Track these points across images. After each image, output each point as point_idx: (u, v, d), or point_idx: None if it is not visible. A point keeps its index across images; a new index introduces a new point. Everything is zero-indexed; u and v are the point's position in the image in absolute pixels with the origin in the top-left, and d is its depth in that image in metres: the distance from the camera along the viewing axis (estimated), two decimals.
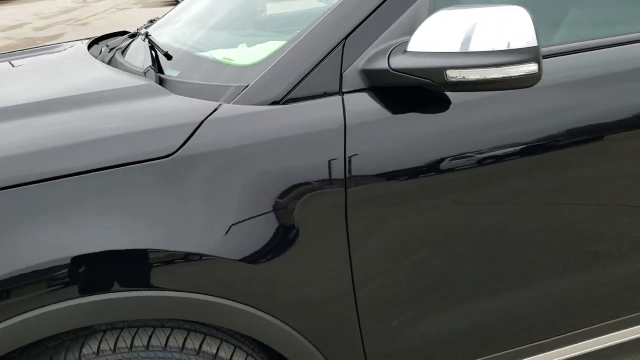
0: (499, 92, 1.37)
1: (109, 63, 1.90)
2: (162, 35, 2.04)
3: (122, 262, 1.24)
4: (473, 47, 1.24)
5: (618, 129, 1.51)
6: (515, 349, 1.64)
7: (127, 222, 1.24)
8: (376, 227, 1.39)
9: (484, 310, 1.56)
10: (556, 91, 1.45)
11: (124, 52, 2.03)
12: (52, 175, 1.22)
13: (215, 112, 1.33)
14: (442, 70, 1.26)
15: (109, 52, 2.07)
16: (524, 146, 1.42)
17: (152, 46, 1.75)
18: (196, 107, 1.36)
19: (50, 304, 1.21)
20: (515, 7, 1.22)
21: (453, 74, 1.25)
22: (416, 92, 1.37)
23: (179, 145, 1.27)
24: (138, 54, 1.86)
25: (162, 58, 1.73)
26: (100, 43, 2.27)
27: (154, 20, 2.39)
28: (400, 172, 1.38)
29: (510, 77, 1.22)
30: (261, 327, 1.35)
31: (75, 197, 1.23)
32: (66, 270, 1.21)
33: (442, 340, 1.56)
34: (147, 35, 1.89)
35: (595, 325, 1.68)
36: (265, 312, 1.34)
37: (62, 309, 1.22)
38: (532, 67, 1.21)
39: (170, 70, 1.66)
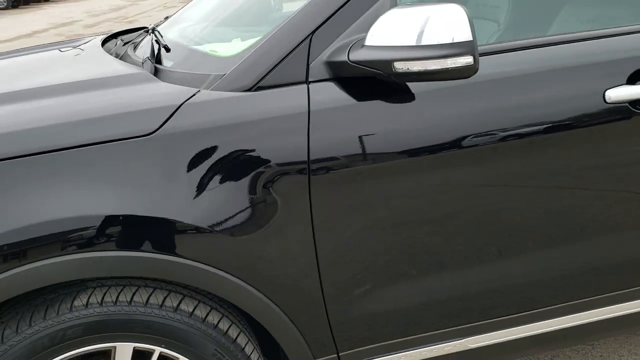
0: (448, 83, 1.50)
1: (120, 56, 2.10)
2: (171, 31, 2.23)
3: (105, 225, 1.42)
4: (417, 42, 1.39)
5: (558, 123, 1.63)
6: (472, 324, 1.77)
7: (111, 191, 1.43)
8: (337, 205, 1.55)
9: (439, 286, 1.70)
10: (501, 85, 1.59)
11: (136, 46, 2.23)
12: (48, 149, 1.41)
13: (193, 97, 1.51)
14: (390, 62, 1.41)
15: (123, 46, 2.28)
16: (463, 135, 1.56)
17: (154, 40, 1.94)
18: (177, 93, 1.54)
19: (47, 258, 1.40)
20: (454, 5, 1.37)
21: (399, 66, 1.41)
22: (373, 82, 1.52)
23: (159, 125, 1.46)
24: (144, 48, 2.06)
25: (163, 51, 1.92)
26: (119, 38, 2.47)
27: (169, 17, 2.60)
28: (358, 154, 1.53)
29: (448, 68, 1.37)
30: (228, 289, 1.52)
31: (67, 168, 1.42)
32: (61, 229, 1.40)
33: (398, 311, 1.70)
34: (153, 30, 2.09)
35: (551, 307, 1.80)
36: (232, 275, 1.51)
37: (57, 262, 1.41)
38: (468, 60, 1.36)
39: (166, 61, 1.85)
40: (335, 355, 1.70)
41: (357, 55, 1.47)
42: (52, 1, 30.07)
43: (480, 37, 1.46)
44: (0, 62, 2.29)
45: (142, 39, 2.27)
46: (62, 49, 2.30)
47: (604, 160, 1.70)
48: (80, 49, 2.22)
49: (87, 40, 2.41)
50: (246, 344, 1.64)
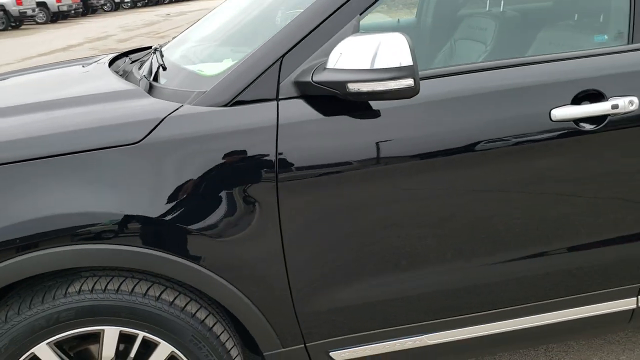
0: (405, 101, 1.69)
1: (125, 73, 2.33)
2: (173, 51, 2.46)
3: (97, 221, 1.64)
4: (368, 66, 1.58)
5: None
6: (431, 322, 1.94)
7: (103, 192, 1.64)
8: (301, 206, 1.74)
9: (399, 285, 1.88)
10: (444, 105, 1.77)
11: (142, 64, 2.46)
12: (46, 155, 1.64)
13: (176, 111, 1.73)
14: (344, 83, 1.61)
15: (131, 64, 2.52)
16: (414, 150, 1.75)
17: (154, 60, 2.17)
18: (163, 107, 1.76)
19: (45, 249, 1.62)
20: (398, 34, 1.56)
21: (352, 87, 1.60)
22: (336, 100, 1.71)
23: (144, 135, 1.67)
24: (146, 66, 2.29)
25: (161, 69, 2.14)
26: (128, 57, 2.71)
27: (176, 36, 2.83)
28: (321, 164, 1.72)
29: (392, 89, 1.56)
30: (204, 282, 1.72)
31: (64, 171, 1.64)
32: (55, 224, 1.62)
33: (361, 308, 1.88)
34: (156, 50, 2.32)
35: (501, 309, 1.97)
36: (208, 269, 1.71)
37: (53, 252, 1.63)
38: (409, 82, 1.55)
39: (162, 79, 2.07)
40: (302, 345, 1.89)
41: (319, 76, 1.67)
42: (89, 16, 30.96)
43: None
44: (19, 78, 2.56)
45: (148, 58, 2.50)
46: (71, 66, 2.56)
47: (550, 173, 1.86)
48: (89, 67, 2.46)
49: (97, 59, 2.65)
50: (222, 333, 1.84)
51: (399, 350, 1.96)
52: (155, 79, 2.08)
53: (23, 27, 28.10)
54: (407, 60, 1.54)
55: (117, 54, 2.73)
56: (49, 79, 2.51)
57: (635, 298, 2.07)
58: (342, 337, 1.91)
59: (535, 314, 2.01)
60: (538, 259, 1.95)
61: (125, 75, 2.29)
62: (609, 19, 2.17)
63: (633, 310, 2.08)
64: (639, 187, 1.92)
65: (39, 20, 29.13)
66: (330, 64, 1.65)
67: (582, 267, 1.99)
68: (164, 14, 27.59)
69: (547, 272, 1.97)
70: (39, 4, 28.95)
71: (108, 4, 35.92)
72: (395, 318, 1.93)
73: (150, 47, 2.77)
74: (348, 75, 1.60)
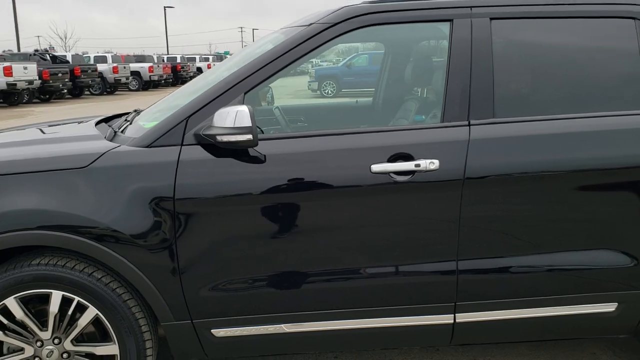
0: (261, 152, 2.50)
1: (111, 126, 3.26)
2: (145, 113, 3.37)
3: (55, 216, 2.50)
4: (230, 125, 2.41)
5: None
6: (289, 313, 2.66)
7: (61, 197, 2.51)
8: (191, 222, 2.55)
9: (264, 282, 2.62)
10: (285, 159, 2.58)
11: (125, 121, 3.38)
12: (16, 172, 2.55)
13: (114, 149, 2.61)
14: (215, 136, 2.45)
15: (124, 121, 3.45)
16: (266, 186, 2.55)
17: (126, 118, 3.10)
18: (107, 146, 2.64)
19: (15, 231, 2.50)
20: (245, 106, 2.40)
21: (220, 138, 2.44)
22: (215, 146, 2.54)
23: (89, 163, 2.55)
24: (122, 122, 3.22)
25: (132, 124, 3.06)
26: (120, 118, 3.66)
27: (155, 103, 3.77)
28: (206, 189, 2.53)
29: (239, 140, 2.39)
30: (121, 266, 2.53)
31: (37, 182, 2.53)
32: (24, 216, 2.50)
33: (234, 298, 2.63)
34: (135, 111, 3.26)
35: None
36: (126, 260, 2.52)
37: (22, 234, 2.50)
38: (249, 137, 2.37)
39: (129, 130, 2.96)
40: (190, 321, 2.65)
41: (206, 131, 2.52)
42: (179, 86, 33.41)
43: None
44: (34, 127, 3.58)
45: (130, 117, 3.44)
46: (70, 122, 3.58)
47: (367, 210, 2.59)
48: (87, 122, 3.45)
49: (97, 117, 3.64)
50: (134, 306, 2.63)
51: (262, 334, 2.69)
52: (122, 130, 2.99)
53: (117, 92, 30.76)
54: (248, 123, 2.37)
55: (113, 114, 3.70)
56: (52, 127, 3.51)
57: (452, 315, 2.71)
58: (219, 319, 2.66)
59: (368, 317, 2.69)
60: (364, 274, 2.66)
61: (112, 128, 3.22)
62: (428, 103, 2.94)
63: (452, 325, 2.72)
64: (437, 224, 2.61)
65: (131, 87, 31.85)
66: (213, 123, 2.50)
67: (396, 285, 2.68)
68: None
69: (370, 285, 2.66)
70: (132, 73, 31.68)
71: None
72: (261, 308, 2.67)
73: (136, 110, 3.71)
74: (219, 130, 2.45)
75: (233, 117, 2.42)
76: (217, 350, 2.74)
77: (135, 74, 31.94)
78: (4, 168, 2.58)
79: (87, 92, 28.92)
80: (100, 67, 29.04)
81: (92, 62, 31.37)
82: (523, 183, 2.60)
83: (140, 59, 36.59)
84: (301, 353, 3.35)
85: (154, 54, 44.38)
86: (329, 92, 20.56)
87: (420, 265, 2.66)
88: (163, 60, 40.23)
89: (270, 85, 4.00)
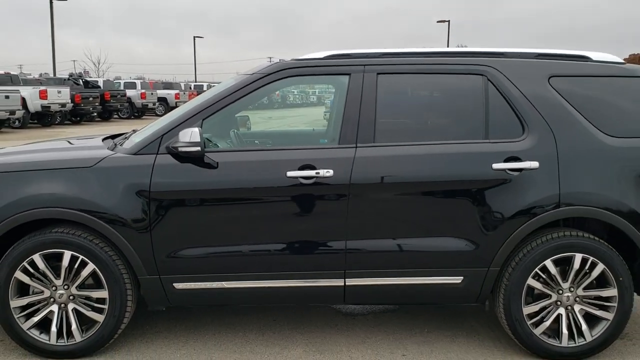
0: (207, 160, 3.70)
1: (114, 140, 4.48)
2: (144, 129, 4.58)
3: (69, 200, 3.71)
4: (186, 140, 3.61)
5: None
6: (226, 274, 3.80)
7: (73, 189, 3.72)
8: (160, 207, 3.72)
9: (212, 249, 3.77)
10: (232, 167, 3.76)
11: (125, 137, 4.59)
12: (43, 168, 3.78)
13: (111, 155, 3.82)
14: (176, 148, 3.65)
15: (123, 138, 4.68)
16: (217, 187, 3.72)
17: (124, 134, 4.33)
18: (107, 153, 3.86)
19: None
20: (196, 128, 3.60)
21: (181, 149, 3.64)
22: (179, 156, 3.73)
23: (94, 163, 3.76)
24: (123, 138, 4.45)
25: (128, 139, 4.27)
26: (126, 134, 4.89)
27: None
28: (173, 185, 3.72)
29: (191, 151, 3.59)
30: (112, 235, 3.71)
31: (59, 177, 3.75)
32: (53, 199, 3.72)
33: (189, 261, 3.78)
34: (133, 130, 4.49)
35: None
36: (116, 232, 3.70)
37: (51, 209, 3.71)
38: (197, 148, 3.57)
39: (127, 144, 4.16)
40: (158, 276, 3.81)
41: (173, 144, 3.71)
42: None
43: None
44: (58, 139, 4.82)
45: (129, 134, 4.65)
46: (84, 138, 4.84)
47: (281, 205, 3.75)
48: (94, 137, 4.70)
49: (102, 135, 4.89)
50: (120, 264, 3.79)
51: (209, 288, 3.82)
52: (122, 144, 4.20)
53: (144, 117, 32.27)
54: (197, 139, 3.57)
55: (118, 133, 4.95)
56: (73, 140, 4.77)
57: (343, 279, 3.82)
58: (180, 275, 3.81)
59: (282, 279, 3.82)
60: (279, 247, 3.80)
61: (115, 141, 4.43)
62: (330, 131, 4.14)
63: (344, 287, 3.84)
64: (332, 214, 3.74)
65: (158, 113, 33.36)
66: (178, 139, 3.69)
67: (303, 256, 3.82)
68: (267, 117, 30.91)
69: (284, 255, 3.80)
70: (159, 99, 33.25)
71: None
72: (208, 270, 3.81)
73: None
74: (180, 144, 3.65)
75: (189, 135, 3.61)
76: (177, 300, 3.88)
77: (162, 99, 33.56)
78: (40, 165, 3.82)
79: (116, 116, 30.58)
80: (129, 92, 30.75)
81: (122, 87, 33.10)
82: (390, 187, 3.74)
83: (168, 86, 38.23)
84: (237, 305, 4.45)
85: (183, 81, 46.12)
86: None
87: (321, 242, 3.79)
88: (190, 88, 41.90)
89: (247, 114, 5.30)
